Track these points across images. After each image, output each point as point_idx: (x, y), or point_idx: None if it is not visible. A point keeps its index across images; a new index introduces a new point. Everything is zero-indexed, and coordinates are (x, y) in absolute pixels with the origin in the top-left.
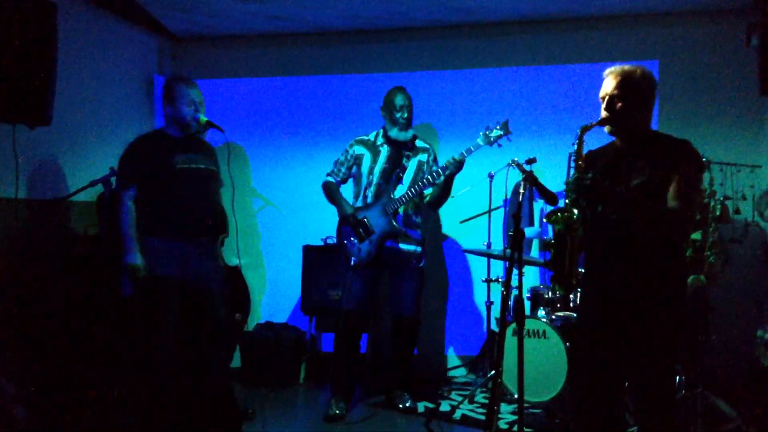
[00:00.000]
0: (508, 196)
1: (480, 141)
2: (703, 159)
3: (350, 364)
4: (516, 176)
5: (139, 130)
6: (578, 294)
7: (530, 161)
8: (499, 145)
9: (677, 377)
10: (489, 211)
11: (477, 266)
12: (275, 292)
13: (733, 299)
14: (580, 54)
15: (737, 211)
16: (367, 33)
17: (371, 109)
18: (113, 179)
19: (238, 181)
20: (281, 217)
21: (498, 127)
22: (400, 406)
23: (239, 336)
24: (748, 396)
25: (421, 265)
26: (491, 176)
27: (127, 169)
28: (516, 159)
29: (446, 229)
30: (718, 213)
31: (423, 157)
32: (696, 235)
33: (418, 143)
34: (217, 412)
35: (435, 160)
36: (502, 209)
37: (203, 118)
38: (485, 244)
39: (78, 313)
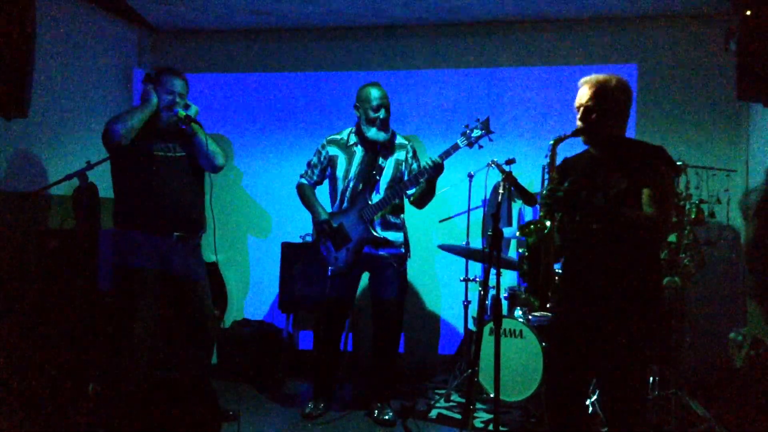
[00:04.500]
0: (487, 196)
1: (461, 142)
2: (679, 162)
3: (330, 360)
4: (495, 176)
5: None
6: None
7: (509, 162)
8: (480, 147)
9: (651, 378)
10: (468, 211)
11: (455, 266)
12: (253, 289)
13: (707, 301)
14: (560, 56)
15: (712, 214)
16: (347, 30)
17: (351, 107)
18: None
19: (215, 177)
20: (261, 213)
21: (478, 127)
22: (381, 419)
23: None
24: (721, 397)
25: (403, 269)
26: (471, 176)
27: None
28: (495, 159)
29: (424, 228)
30: (693, 216)
31: (401, 155)
32: (671, 238)
33: (396, 140)
34: (196, 410)
35: (415, 156)
36: (481, 209)
37: (182, 113)
38: (464, 243)
39: (54, 307)
